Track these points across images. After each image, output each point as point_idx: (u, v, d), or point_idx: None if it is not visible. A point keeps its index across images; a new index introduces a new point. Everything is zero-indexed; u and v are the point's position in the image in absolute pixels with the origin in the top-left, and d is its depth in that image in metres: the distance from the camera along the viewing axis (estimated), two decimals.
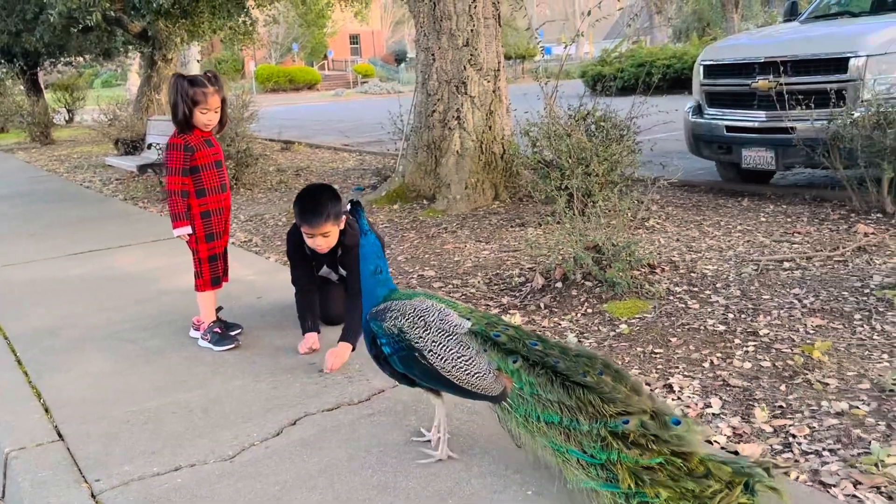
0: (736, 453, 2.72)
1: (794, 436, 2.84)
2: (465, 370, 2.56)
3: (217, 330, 4.12)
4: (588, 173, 5.79)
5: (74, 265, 6.17)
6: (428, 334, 2.63)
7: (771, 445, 2.79)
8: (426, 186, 7.61)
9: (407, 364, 2.69)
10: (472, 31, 7.28)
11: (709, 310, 4.13)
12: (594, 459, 2.32)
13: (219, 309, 4.26)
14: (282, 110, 27.11)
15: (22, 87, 23.10)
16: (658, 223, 6.17)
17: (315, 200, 3.79)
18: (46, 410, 3.43)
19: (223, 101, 4.08)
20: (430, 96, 7.51)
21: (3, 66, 20.78)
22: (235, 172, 9.19)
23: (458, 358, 2.57)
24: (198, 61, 21.94)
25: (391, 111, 9.23)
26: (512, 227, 6.48)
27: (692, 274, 4.73)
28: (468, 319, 2.68)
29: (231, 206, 4.35)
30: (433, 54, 7.40)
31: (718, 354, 3.57)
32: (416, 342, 2.64)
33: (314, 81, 49.24)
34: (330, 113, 26.17)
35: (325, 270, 4.24)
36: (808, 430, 2.86)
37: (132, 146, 12.25)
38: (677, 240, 5.63)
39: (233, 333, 4.16)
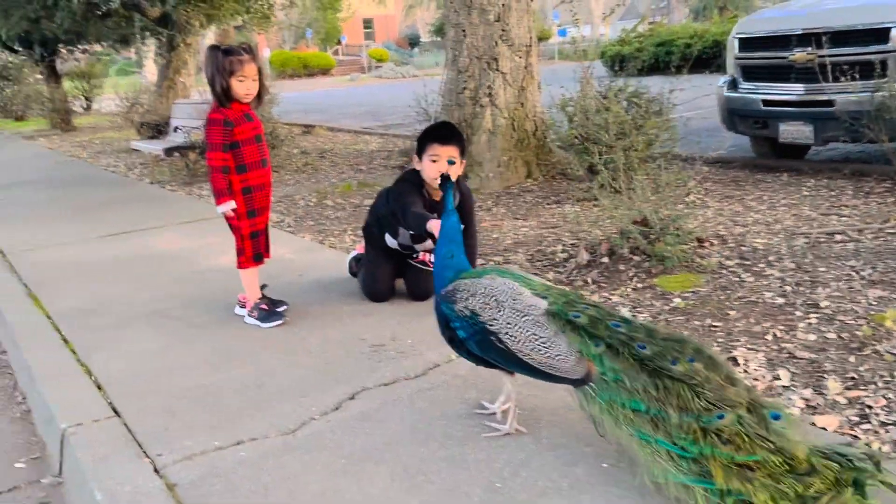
0: (813, 425, 2.65)
1: (870, 407, 2.75)
2: (545, 353, 2.42)
3: (264, 307, 4.07)
4: (627, 148, 5.69)
5: (108, 246, 6.13)
6: (502, 315, 2.50)
7: (847, 417, 2.71)
8: None
9: (484, 348, 2.57)
10: (503, 5, 7.15)
11: (764, 283, 4.04)
12: (685, 453, 2.12)
13: (263, 286, 4.21)
14: (299, 95, 26.93)
15: (39, 75, 23.05)
16: (699, 198, 6.06)
17: (448, 125, 4.19)
18: (99, 387, 3.38)
19: (259, 71, 4.01)
20: (460, 73, 7.39)
21: (22, 53, 20.76)
22: None
23: (535, 339, 2.44)
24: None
25: (416, 92, 9.13)
26: (548, 204, 6.39)
27: (742, 247, 4.63)
28: (544, 298, 2.53)
29: (272, 181, 4.29)
30: (464, 30, 7.28)
31: (781, 327, 3.48)
32: (491, 325, 2.51)
33: (328, 67, 48.99)
34: (347, 97, 26.05)
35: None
36: (884, 402, 2.77)
37: (156, 130, 12.24)
38: (721, 214, 5.53)
39: (279, 310, 4.09)
